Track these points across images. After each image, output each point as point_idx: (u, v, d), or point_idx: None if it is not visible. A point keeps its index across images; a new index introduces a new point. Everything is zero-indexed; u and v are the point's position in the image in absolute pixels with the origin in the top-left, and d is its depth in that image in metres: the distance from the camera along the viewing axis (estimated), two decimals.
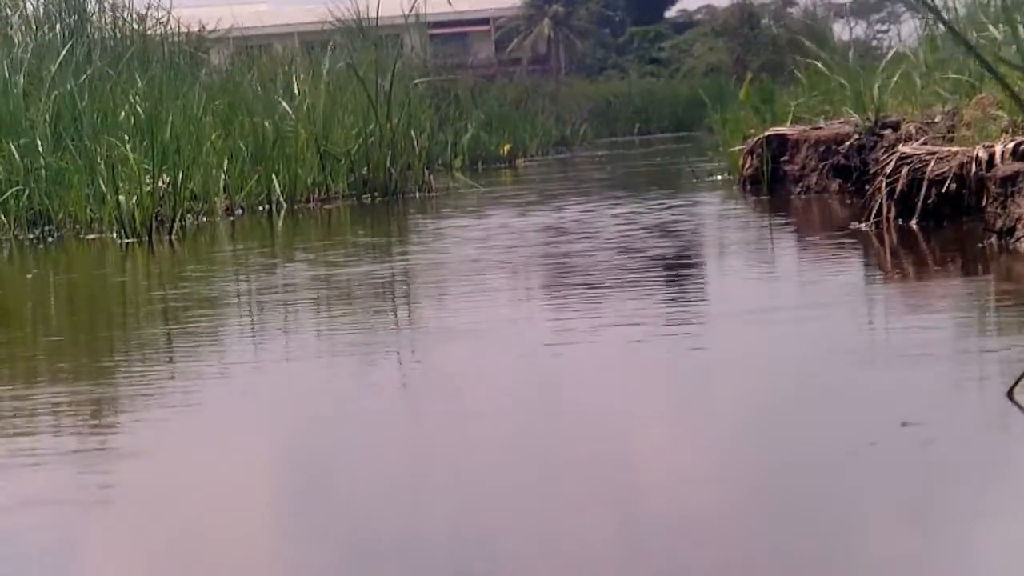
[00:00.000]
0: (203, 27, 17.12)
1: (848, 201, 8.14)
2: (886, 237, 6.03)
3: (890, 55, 9.92)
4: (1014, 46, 6.41)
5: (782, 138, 9.62)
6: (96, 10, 13.50)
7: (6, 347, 4.68)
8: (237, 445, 2.97)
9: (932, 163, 6.09)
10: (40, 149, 10.24)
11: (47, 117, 10.64)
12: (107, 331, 5.05)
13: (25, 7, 12.91)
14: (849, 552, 1.97)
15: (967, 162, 5.89)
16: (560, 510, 2.25)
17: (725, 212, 8.81)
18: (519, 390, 3.37)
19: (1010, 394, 2.74)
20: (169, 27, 14.94)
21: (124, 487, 2.59)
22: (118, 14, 13.84)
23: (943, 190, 6.02)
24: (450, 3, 20.40)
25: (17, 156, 10.06)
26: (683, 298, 4.88)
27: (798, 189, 9.28)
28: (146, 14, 14.57)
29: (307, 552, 2.13)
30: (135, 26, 14.06)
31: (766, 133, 9.82)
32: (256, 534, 2.29)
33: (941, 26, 9.52)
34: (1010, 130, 5.93)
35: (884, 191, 6.25)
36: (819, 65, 10.83)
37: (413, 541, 2.15)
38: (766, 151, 9.60)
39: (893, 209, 6.22)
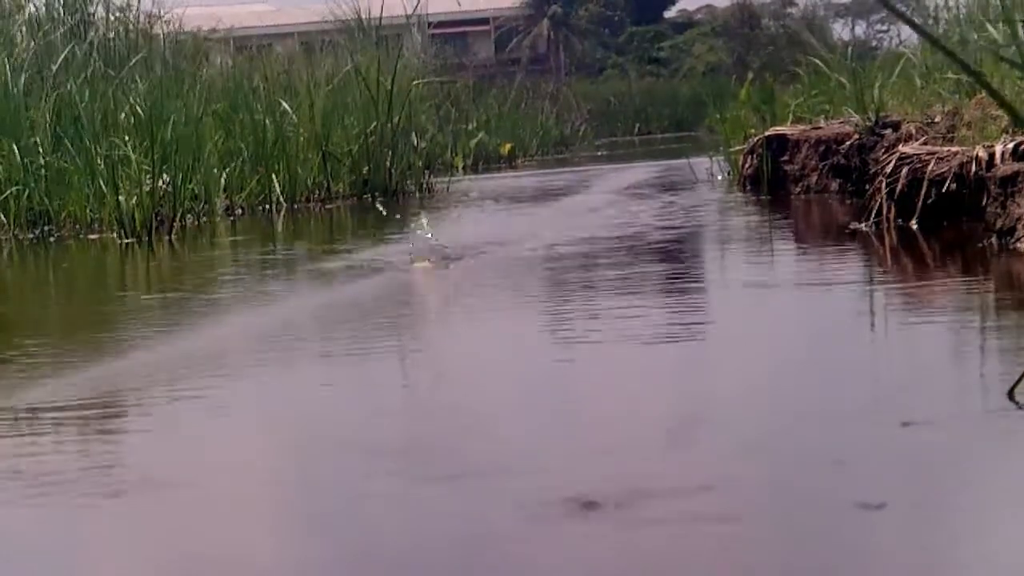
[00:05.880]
0: (199, 28, 17.13)
1: (848, 201, 8.14)
2: (886, 237, 6.03)
3: (885, 54, 9.93)
4: (1014, 46, 6.41)
5: (782, 138, 9.62)
6: (99, 11, 13.50)
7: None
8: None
9: (932, 163, 6.09)
10: (40, 149, 10.24)
11: (47, 117, 10.64)
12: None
13: (28, 7, 12.91)
14: (854, 550, 1.98)
15: (967, 162, 5.90)
16: None
17: (724, 212, 8.80)
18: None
19: (1010, 394, 2.74)
20: (171, 27, 14.95)
21: None
22: (123, 14, 13.84)
23: (943, 190, 6.02)
24: (459, 3, 20.37)
25: (17, 156, 10.06)
26: (675, 306, 4.88)
27: (798, 189, 9.28)
28: (154, 14, 14.57)
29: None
30: (138, 26, 14.05)
31: (766, 133, 9.82)
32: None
33: (940, 26, 9.55)
34: (1010, 130, 5.93)
35: (884, 191, 6.25)
36: (819, 64, 10.83)
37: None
38: (766, 151, 9.60)
39: (893, 209, 6.22)
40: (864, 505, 2.13)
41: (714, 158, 11.90)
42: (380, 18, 15.62)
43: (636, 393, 3.23)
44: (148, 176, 9.39)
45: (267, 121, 11.93)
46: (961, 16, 8.99)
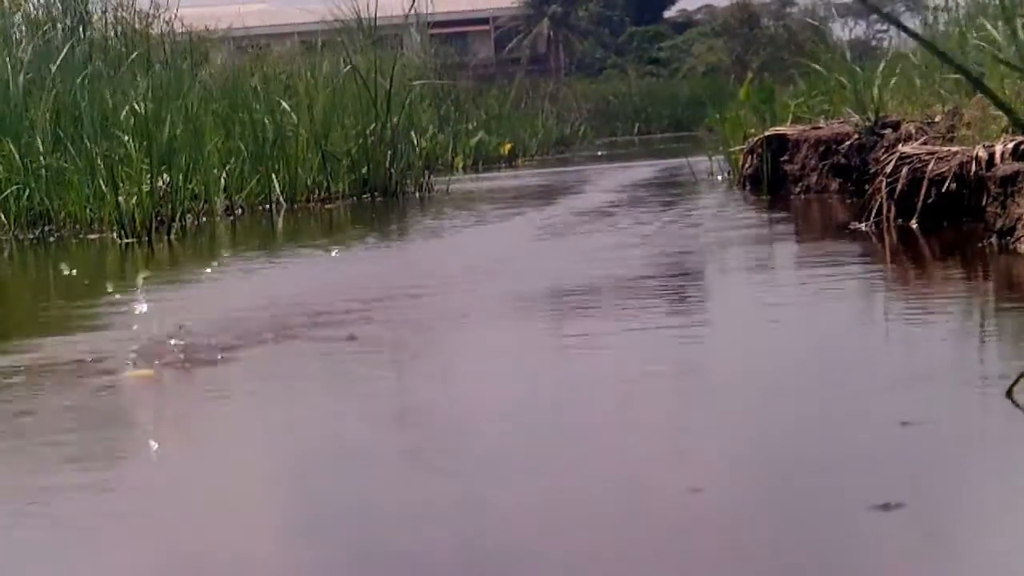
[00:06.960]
0: (198, 28, 17.12)
1: (848, 201, 8.14)
2: (886, 237, 6.04)
3: (889, 55, 9.91)
4: (1013, 47, 6.41)
5: (782, 138, 9.61)
6: (97, 11, 13.51)
7: None
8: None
9: (932, 163, 6.09)
10: (40, 149, 10.25)
11: (47, 117, 10.64)
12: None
13: (27, 7, 12.91)
14: (845, 549, 1.98)
15: (967, 162, 5.90)
16: None
17: (724, 213, 8.80)
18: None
19: (1009, 394, 2.74)
20: (171, 27, 14.95)
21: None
22: (121, 13, 13.86)
23: (943, 190, 6.02)
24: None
25: (17, 156, 10.06)
26: (674, 310, 4.88)
27: (798, 189, 9.28)
28: (151, 13, 14.57)
29: None
30: (136, 27, 14.06)
31: (766, 133, 9.82)
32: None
33: (940, 25, 9.54)
34: (1010, 130, 5.93)
35: (884, 191, 6.25)
36: (818, 65, 10.83)
37: None
38: (766, 151, 9.60)
39: (893, 209, 6.22)
40: (860, 504, 2.13)
41: (714, 158, 11.90)
42: (379, 18, 15.61)
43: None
44: (148, 176, 9.39)
45: (267, 121, 11.93)
46: (961, 15, 8.98)
